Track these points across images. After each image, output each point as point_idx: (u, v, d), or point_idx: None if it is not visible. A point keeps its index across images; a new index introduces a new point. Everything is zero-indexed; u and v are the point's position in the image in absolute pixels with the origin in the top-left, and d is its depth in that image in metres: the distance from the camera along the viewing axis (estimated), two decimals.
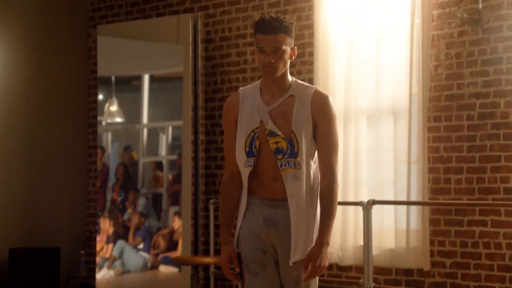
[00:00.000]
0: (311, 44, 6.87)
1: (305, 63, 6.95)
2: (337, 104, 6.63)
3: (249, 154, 3.69)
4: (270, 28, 3.60)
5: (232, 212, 3.78)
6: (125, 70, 8.04)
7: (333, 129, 3.69)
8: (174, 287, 7.41)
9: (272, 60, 3.60)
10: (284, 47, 3.62)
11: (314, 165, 3.72)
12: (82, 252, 8.06)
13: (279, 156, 3.65)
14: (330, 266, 6.69)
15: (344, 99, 6.63)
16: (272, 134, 3.66)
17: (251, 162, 3.68)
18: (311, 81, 6.80)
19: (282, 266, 3.73)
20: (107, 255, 7.71)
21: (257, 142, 3.68)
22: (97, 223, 7.89)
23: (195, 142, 7.32)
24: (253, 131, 3.70)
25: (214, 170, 7.55)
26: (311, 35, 6.86)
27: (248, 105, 3.73)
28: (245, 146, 3.70)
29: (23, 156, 7.90)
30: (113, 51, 7.95)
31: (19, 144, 7.90)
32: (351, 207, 6.47)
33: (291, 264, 3.68)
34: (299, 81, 3.77)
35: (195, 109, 7.31)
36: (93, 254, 7.99)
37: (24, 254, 7.61)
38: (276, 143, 3.65)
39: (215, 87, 7.56)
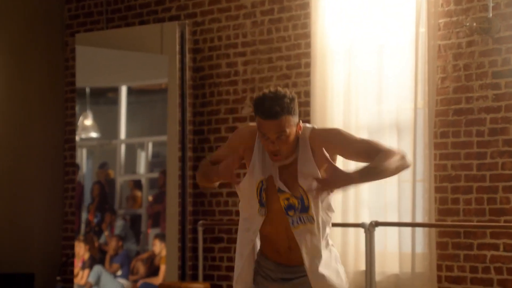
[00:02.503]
0: (307, 55, 6.83)
1: (301, 74, 6.91)
2: (336, 119, 6.61)
3: (261, 203, 3.65)
4: (272, 114, 3.50)
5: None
6: (105, 82, 7.97)
7: (353, 140, 3.61)
8: None
9: (278, 148, 3.54)
10: (288, 130, 3.52)
11: (329, 227, 3.70)
12: (58, 278, 7.97)
13: (291, 213, 3.63)
14: None
15: (344, 113, 6.59)
16: (281, 191, 3.63)
17: (263, 211, 3.65)
18: (307, 93, 6.76)
19: None
20: (83, 282, 7.63)
21: (264, 194, 3.64)
22: (73, 246, 7.81)
23: (182, 159, 7.24)
24: (261, 181, 3.65)
25: (203, 189, 7.49)
26: (308, 45, 6.83)
27: (262, 151, 3.67)
28: (257, 194, 3.65)
29: None
30: (92, 61, 7.87)
31: None
32: (351, 229, 6.44)
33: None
34: (302, 127, 3.63)
35: (182, 123, 7.24)
36: (71, 280, 7.90)
37: None
38: (287, 199, 3.63)
39: (204, 100, 7.50)
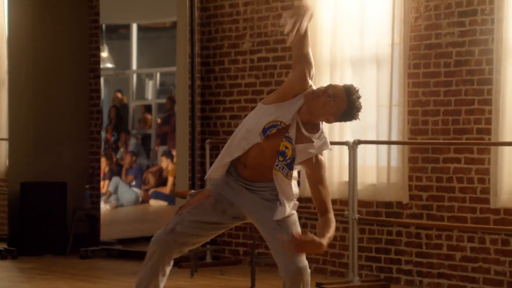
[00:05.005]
0: None
1: None
2: (324, 53, 6.58)
3: (264, 132, 3.56)
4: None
5: None
6: (121, 19, 7.86)
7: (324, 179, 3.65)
8: (163, 219, 7.38)
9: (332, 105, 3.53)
10: None
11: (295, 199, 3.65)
12: (87, 186, 7.99)
13: (281, 159, 3.56)
14: None
15: (331, 48, 6.56)
16: (288, 139, 3.55)
17: (263, 137, 3.57)
18: None
19: (258, 215, 3.64)
20: (104, 190, 7.67)
21: (274, 130, 3.55)
22: (99, 160, 7.84)
23: (192, 87, 7.21)
24: (282, 122, 3.55)
25: (209, 113, 7.48)
26: None
27: (297, 102, 3.59)
28: (268, 124, 3.55)
29: (31, 99, 7.78)
30: (113, 1, 7.76)
31: (28, 87, 7.78)
32: (336, 147, 6.42)
33: (274, 219, 3.59)
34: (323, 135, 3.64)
35: (192, 56, 7.19)
36: (97, 188, 7.93)
37: (34, 188, 7.59)
38: (286, 148, 3.55)
39: (209, 36, 7.45)
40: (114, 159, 7.65)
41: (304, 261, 3.55)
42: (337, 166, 6.49)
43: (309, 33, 3.60)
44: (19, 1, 7.67)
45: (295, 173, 3.63)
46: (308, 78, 3.58)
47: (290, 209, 3.62)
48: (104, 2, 7.70)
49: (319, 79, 6.58)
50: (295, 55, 3.58)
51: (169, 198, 7.31)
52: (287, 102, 3.57)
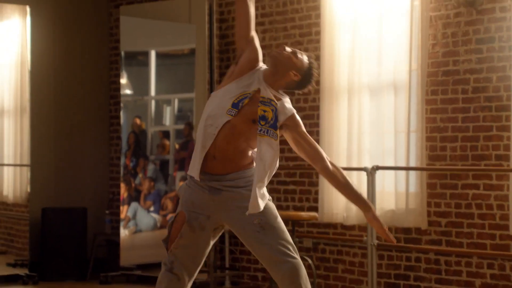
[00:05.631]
0: (317, 24, 6.81)
1: (312, 41, 6.90)
2: (341, 79, 6.60)
3: (235, 106, 3.59)
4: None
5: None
6: (140, 47, 7.95)
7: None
8: None
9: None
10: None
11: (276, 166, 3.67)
12: (107, 211, 8.03)
13: (262, 123, 3.57)
14: (335, 226, 6.69)
15: (348, 74, 6.58)
16: (265, 101, 3.60)
17: (234, 112, 3.58)
18: (317, 57, 6.74)
19: (237, 223, 3.62)
20: (123, 215, 7.70)
21: (246, 101, 3.60)
22: (119, 186, 7.87)
23: None
24: (249, 93, 3.62)
25: None
26: (318, 16, 6.80)
27: (256, 71, 3.69)
28: (237, 98, 3.60)
29: (52, 125, 7.85)
30: (132, 29, 7.85)
31: (49, 114, 7.86)
32: (354, 172, 6.44)
33: (247, 214, 3.59)
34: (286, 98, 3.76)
35: (210, 82, 7.26)
36: (117, 213, 7.97)
37: (56, 213, 7.62)
38: (265, 111, 3.58)
39: (228, 63, 7.50)
40: (133, 185, 7.67)
41: (296, 256, 3.54)
42: None
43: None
44: (41, 30, 7.76)
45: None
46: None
47: (262, 201, 3.56)
48: (124, 29, 7.77)
49: (337, 106, 6.60)
50: (245, 35, 3.73)
51: None
52: (246, 75, 3.65)
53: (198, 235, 3.63)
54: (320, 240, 6.72)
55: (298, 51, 3.73)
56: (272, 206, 3.64)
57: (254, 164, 3.62)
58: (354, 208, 6.46)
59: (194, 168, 3.63)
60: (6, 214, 7.81)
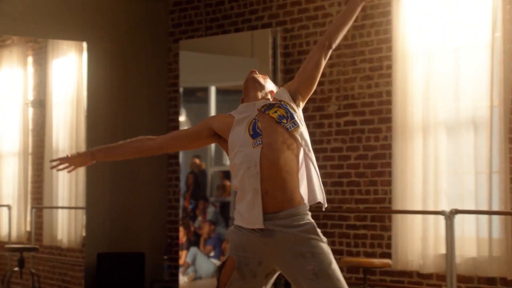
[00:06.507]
0: (389, 58, 6.45)
1: (383, 75, 6.53)
2: (415, 116, 6.23)
3: (255, 134, 3.52)
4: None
5: (120, 148, 3.84)
6: (202, 82, 7.72)
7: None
8: None
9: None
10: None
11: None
12: (165, 257, 7.76)
13: (284, 121, 3.52)
14: (411, 274, 6.27)
15: (423, 110, 6.20)
16: (269, 108, 3.56)
17: (259, 140, 3.50)
18: (389, 93, 6.40)
19: (290, 267, 3.44)
20: (181, 261, 7.43)
21: (259, 124, 3.54)
22: (177, 229, 7.61)
23: None
24: (254, 118, 3.58)
25: None
26: (389, 49, 6.44)
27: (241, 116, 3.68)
28: (250, 129, 3.55)
29: (108, 166, 7.61)
30: (192, 64, 7.63)
31: None
32: (431, 216, 6.05)
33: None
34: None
35: None
36: (175, 259, 7.69)
37: (111, 259, 7.47)
38: (276, 112, 3.54)
39: None
40: (192, 228, 7.44)
41: None
42: (432, 237, 6.06)
43: None
44: (98, 66, 7.58)
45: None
46: None
47: (323, 238, 3.46)
48: (183, 65, 7.55)
49: (411, 144, 6.22)
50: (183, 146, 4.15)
51: None
52: (236, 120, 3.64)
53: (249, 283, 3.48)
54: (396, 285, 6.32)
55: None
56: (328, 250, 3.46)
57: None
58: (431, 254, 6.05)
59: (253, 218, 3.47)
60: (60, 259, 7.64)
